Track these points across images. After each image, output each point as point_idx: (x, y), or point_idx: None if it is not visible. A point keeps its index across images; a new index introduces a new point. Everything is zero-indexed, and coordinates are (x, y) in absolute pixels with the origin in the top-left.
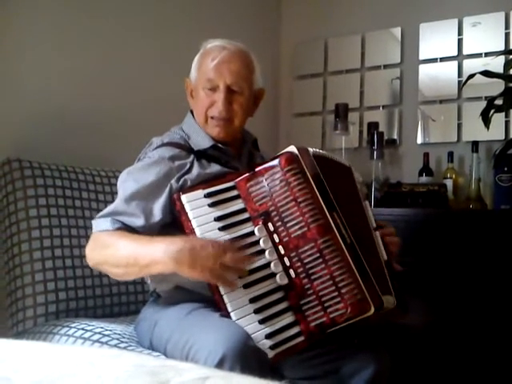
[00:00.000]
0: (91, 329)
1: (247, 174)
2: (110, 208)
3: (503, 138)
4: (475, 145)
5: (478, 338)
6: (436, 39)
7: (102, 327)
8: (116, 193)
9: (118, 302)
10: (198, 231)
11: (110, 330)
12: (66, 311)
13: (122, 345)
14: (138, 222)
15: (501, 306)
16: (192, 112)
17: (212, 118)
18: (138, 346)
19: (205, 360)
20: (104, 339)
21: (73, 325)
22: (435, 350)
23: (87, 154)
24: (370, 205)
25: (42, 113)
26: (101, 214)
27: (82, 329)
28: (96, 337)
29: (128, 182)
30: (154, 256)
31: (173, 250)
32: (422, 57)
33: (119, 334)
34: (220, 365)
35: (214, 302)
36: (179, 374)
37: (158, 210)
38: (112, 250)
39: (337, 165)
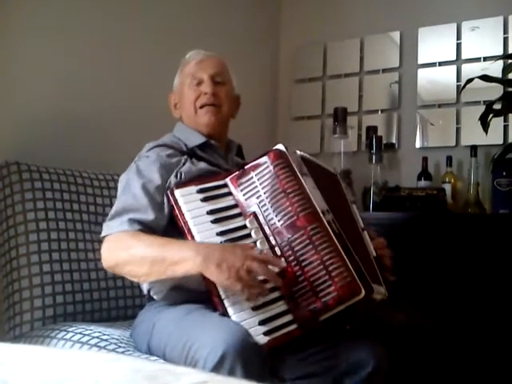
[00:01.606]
0: (89, 333)
1: (237, 172)
2: (119, 206)
3: (502, 142)
4: (474, 149)
5: (479, 342)
6: (435, 43)
7: (99, 332)
8: (114, 196)
9: (115, 306)
10: (191, 223)
11: (108, 335)
12: (63, 315)
13: (120, 349)
14: (151, 216)
15: (500, 310)
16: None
17: (201, 107)
18: (136, 351)
19: (205, 358)
20: (102, 344)
21: (70, 329)
22: (435, 355)
23: (85, 157)
24: (369, 209)
25: (41, 116)
26: (112, 213)
27: (80, 333)
28: (93, 341)
29: (135, 181)
30: (182, 253)
31: (202, 250)
32: (420, 61)
33: (117, 339)
34: (221, 362)
35: (209, 300)
36: (177, 378)
37: (165, 204)
38: (136, 249)
39: (321, 168)
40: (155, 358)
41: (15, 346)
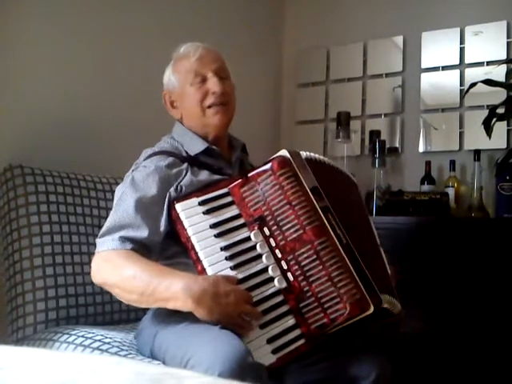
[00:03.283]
0: (91, 336)
1: (240, 180)
2: (112, 222)
3: (505, 146)
4: (477, 153)
5: (480, 346)
6: (438, 48)
7: (102, 335)
8: None
9: (118, 309)
10: (194, 239)
11: (111, 338)
12: (66, 318)
13: (123, 353)
14: (144, 233)
15: (503, 314)
16: (180, 122)
17: (209, 106)
18: (138, 355)
19: None
20: (104, 347)
21: (73, 332)
22: (438, 360)
23: (89, 160)
24: (372, 213)
25: (44, 120)
26: (104, 230)
27: (82, 336)
28: (96, 344)
29: (129, 194)
30: (173, 291)
31: (194, 290)
32: (424, 65)
33: (119, 342)
34: None
35: None
36: (181, 381)
37: (162, 220)
38: (126, 274)
39: (335, 170)
40: (158, 362)
41: (18, 349)
